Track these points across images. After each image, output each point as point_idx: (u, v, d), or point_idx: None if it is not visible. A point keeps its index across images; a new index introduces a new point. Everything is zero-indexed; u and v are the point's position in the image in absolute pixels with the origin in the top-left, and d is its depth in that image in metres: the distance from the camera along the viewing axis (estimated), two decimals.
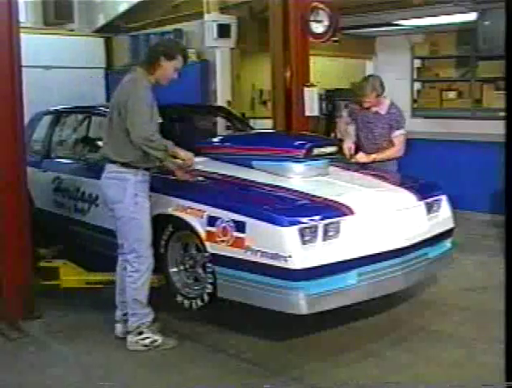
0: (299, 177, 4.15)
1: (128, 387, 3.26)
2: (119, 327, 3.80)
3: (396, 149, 4.89)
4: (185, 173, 3.96)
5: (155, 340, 3.62)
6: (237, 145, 4.63)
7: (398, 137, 4.87)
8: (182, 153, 3.81)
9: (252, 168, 4.26)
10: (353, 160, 4.85)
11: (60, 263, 4.64)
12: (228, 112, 6.15)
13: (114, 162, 3.65)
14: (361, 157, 4.85)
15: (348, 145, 4.95)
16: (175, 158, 3.81)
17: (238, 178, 4.11)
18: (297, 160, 4.18)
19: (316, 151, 4.23)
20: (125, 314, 3.75)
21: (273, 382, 3.22)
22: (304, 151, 4.18)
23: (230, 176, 4.15)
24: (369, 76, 5.48)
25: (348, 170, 4.61)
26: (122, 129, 3.57)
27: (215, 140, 5.02)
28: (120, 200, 3.60)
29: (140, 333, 3.63)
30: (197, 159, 4.16)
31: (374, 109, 4.89)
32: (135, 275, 3.62)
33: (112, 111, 3.67)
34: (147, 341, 3.62)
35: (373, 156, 4.84)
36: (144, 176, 3.67)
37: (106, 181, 3.71)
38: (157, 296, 4.36)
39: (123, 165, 3.61)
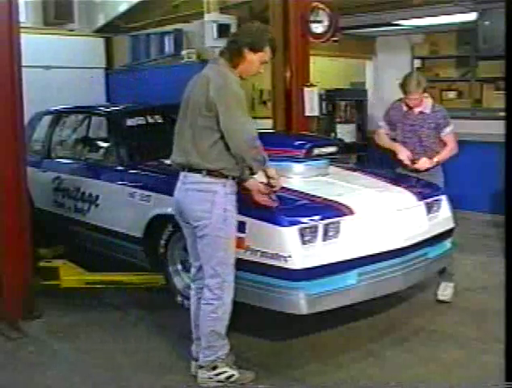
0: (299, 177, 4.14)
1: (128, 387, 3.27)
2: (194, 366, 3.30)
3: (452, 147, 4.56)
4: (264, 196, 3.31)
5: (232, 375, 3.17)
6: None
7: (450, 134, 4.55)
8: (274, 171, 3.26)
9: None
10: (416, 166, 4.49)
11: (60, 263, 4.65)
12: None
13: (197, 171, 3.08)
14: (424, 162, 4.47)
15: (406, 154, 4.52)
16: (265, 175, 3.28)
17: None
18: (297, 160, 4.17)
19: (316, 151, 4.23)
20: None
21: (273, 382, 3.22)
22: (304, 151, 4.18)
23: None
24: (412, 72, 5.22)
25: (348, 170, 4.60)
26: (211, 131, 3.03)
27: None
28: (207, 216, 3.04)
29: (215, 368, 3.16)
30: None
31: (417, 109, 4.53)
32: (215, 303, 3.10)
33: (191, 109, 3.10)
34: (222, 377, 3.16)
35: (436, 159, 4.50)
36: (232, 187, 3.12)
37: (188, 193, 3.10)
38: (157, 296, 4.38)
39: (211, 174, 3.06)
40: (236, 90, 3.03)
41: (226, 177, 3.07)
